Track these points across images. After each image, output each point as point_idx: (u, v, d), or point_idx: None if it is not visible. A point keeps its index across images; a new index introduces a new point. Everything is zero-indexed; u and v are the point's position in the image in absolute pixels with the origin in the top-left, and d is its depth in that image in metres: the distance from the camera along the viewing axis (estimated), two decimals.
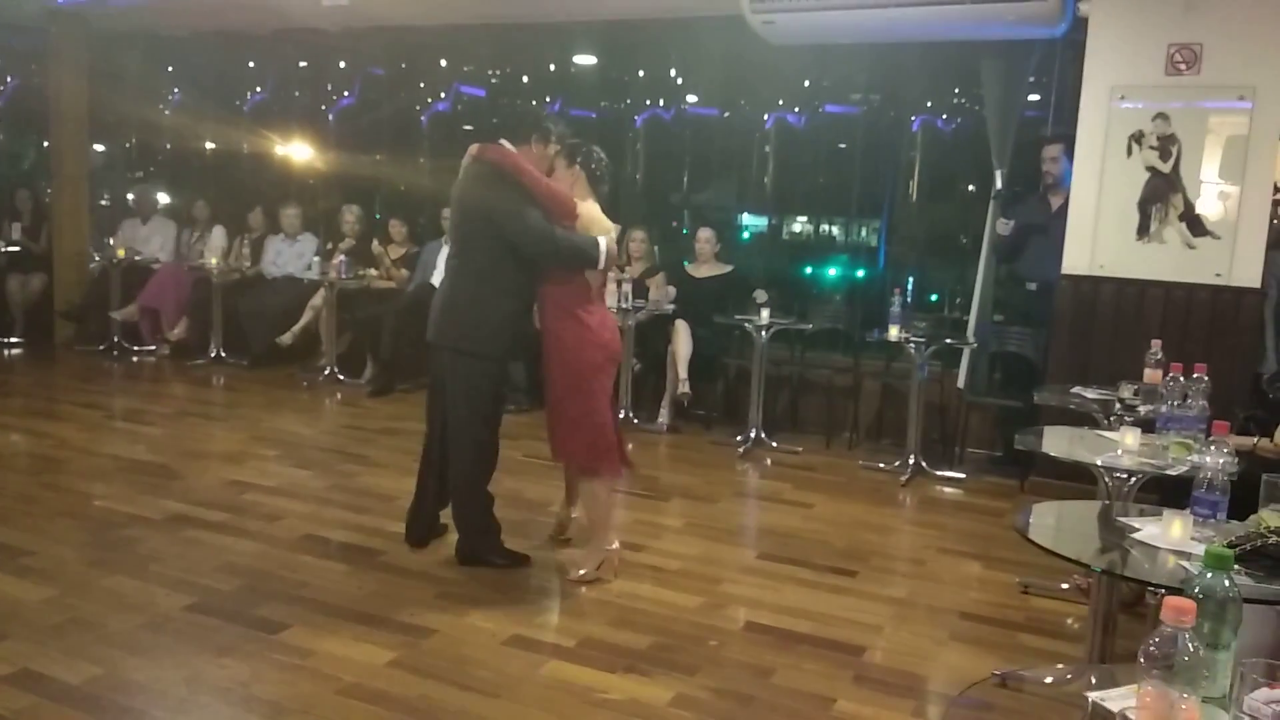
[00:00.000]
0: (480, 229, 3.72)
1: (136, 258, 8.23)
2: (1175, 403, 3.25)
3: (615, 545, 3.90)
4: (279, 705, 2.79)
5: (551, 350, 3.80)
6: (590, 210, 3.84)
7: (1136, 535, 2.50)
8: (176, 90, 9.48)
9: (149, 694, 2.83)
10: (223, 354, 7.94)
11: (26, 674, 2.89)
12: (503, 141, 3.78)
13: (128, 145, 9.78)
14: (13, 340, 8.37)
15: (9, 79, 9.65)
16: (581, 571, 3.80)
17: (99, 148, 9.40)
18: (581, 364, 3.76)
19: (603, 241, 3.72)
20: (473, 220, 3.77)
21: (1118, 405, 3.92)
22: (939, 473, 5.55)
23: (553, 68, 8.09)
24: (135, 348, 8.21)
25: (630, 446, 5.94)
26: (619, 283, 6.22)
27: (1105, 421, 3.92)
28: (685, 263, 6.86)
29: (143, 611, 3.35)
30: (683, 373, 6.27)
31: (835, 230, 7.55)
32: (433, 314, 3.89)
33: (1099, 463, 3.16)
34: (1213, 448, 2.61)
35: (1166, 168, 4.97)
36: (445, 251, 7.01)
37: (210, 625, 3.27)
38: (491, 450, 3.91)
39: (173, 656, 3.04)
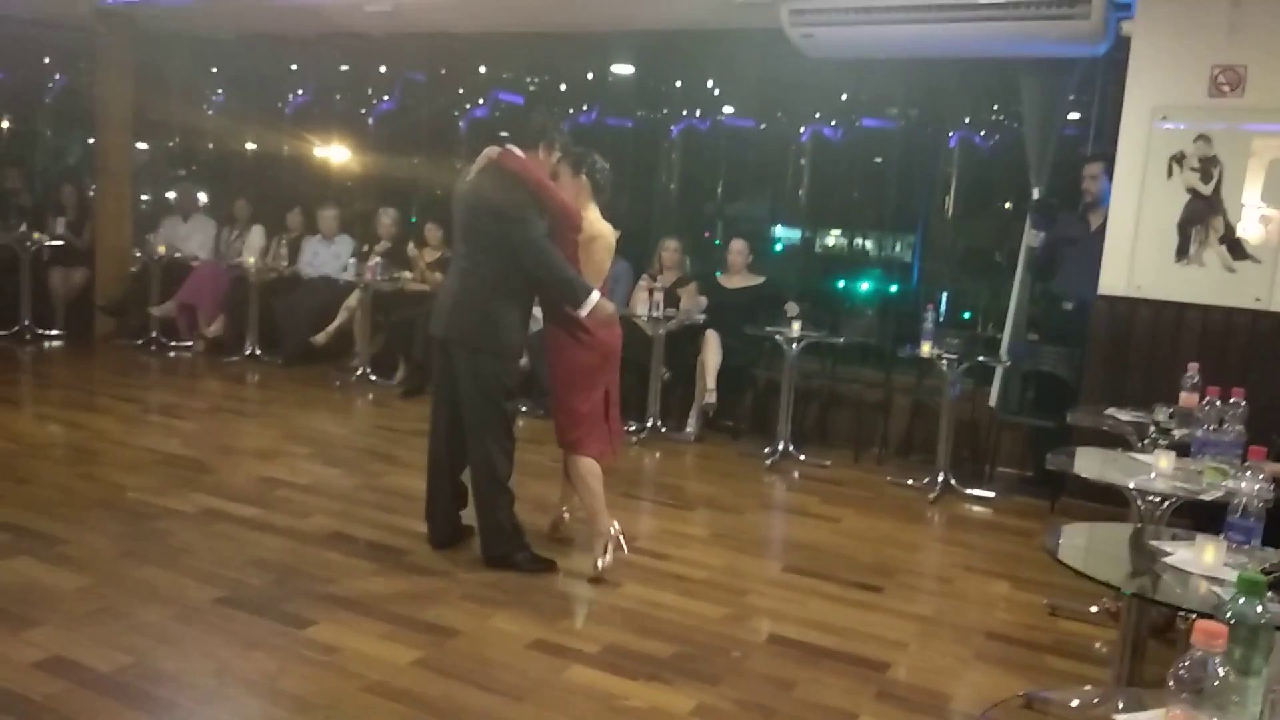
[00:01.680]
0: (492, 229, 3.81)
1: (176, 255, 8.34)
2: (1211, 427, 3.20)
3: (615, 526, 3.96)
4: (305, 700, 2.82)
5: (549, 347, 4.00)
6: (593, 218, 3.99)
7: (1168, 560, 2.47)
8: (220, 91, 9.62)
9: (178, 684, 2.87)
10: (258, 352, 8.03)
11: (58, 660, 2.94)
12: (510, 147, 3.86)
13: (171, 144, 9.92)
14: (54, 333, 8.50)
15: (57, 77, 9.84)
16: (598, 563, 3.86)
17: (142, 146, 9.52)
18: (576, 363, 3.91)
19: (595, 296, 3.80)
20: (484, 220, 3.84)
21: (1152, 428, 3.87)
22: (968, 491, 5.49)
23: (590, 76, 8.12)
24: (172, 343, 8.32)
25: (660, 449, 6.03)
26: (650, 291, 6.24)
27: (1139, 444, 3.87)
28: (717, 273, 6.86)
29: (173, 603, 3.39)
30: (710, 383, 6.26)
31: (869, 244, 7.51)
32: (440, 310, 3.95)
33: (1131, 486, 3.11)
34: (1248, 473, 2.57)
35: (1207, 190, 4.91)
36: None
37: (239, 618, 3.31)
38: (511, 447, 3.95)
39: (202, 648, 3.08)
